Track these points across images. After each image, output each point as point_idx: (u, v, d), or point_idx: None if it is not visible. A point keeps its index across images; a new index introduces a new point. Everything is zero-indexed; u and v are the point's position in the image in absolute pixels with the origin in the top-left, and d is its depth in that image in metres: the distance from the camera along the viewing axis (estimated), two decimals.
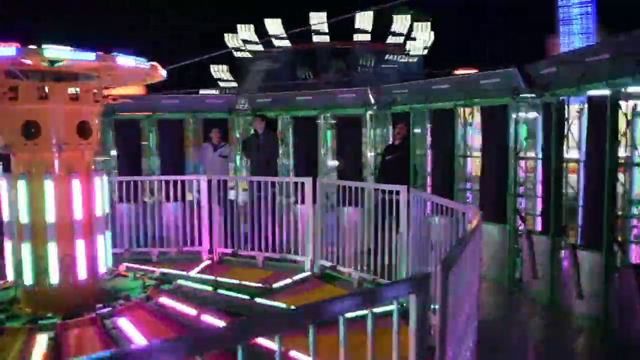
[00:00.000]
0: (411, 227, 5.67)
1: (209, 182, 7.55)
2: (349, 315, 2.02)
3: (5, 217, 5.07)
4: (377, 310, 2.08)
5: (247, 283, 6.20)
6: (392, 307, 2.15)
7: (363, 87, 8.53)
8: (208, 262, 7.39)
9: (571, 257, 5.62)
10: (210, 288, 5.96)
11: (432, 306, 3.53)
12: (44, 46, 4.29)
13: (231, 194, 8.40)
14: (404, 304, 2.45)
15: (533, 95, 6.35)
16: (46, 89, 4.76)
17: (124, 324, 4.76)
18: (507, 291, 6.51)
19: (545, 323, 5.71)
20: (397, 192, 5.86)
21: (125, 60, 4.66)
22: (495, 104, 6.89)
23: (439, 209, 5.22)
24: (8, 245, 5.10)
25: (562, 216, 6.03)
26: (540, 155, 6.54)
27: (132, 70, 4.96)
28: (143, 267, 6.71)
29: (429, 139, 8.18)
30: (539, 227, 6.58)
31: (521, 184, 6.84)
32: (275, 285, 6.19)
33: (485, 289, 6.26)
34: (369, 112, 8.81)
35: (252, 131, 9.06)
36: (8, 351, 4.32)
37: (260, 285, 6.19)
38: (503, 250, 6.72)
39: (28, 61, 4.42)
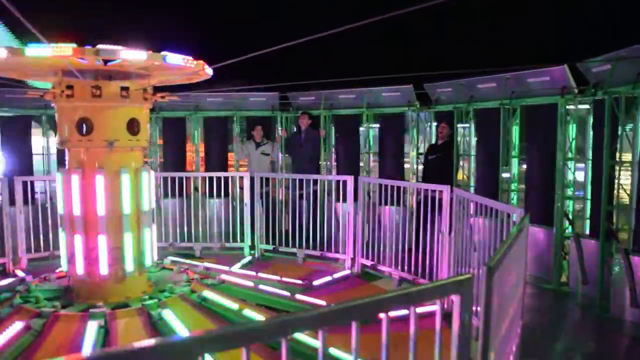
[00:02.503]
0: (453, 227, 5.58)
1: (252, 179, 7.67)
2: (390, 314, 2.01)
3: (60, 210, 5.31)
4: (418, 310, 2.07)
5: (288, 279, 6.26)
6: (434, 307, 2.13)
7: (407, 85, 8.44)
8: (250, 258, 7.51)
9: (624, 262, 5.39)
10: (251, 283, 6.05)
11: (475, 308, 3.47)
12: (98, 46, 4.47)
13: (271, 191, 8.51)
14: (446, 306, 2.43)
15: (584, 94, 6.14)
16: (99, 87, 4.96)
17: (169, 315, 4.90)
18: (553, 296, 6.32)
19: (594, 330, 5.51)
20: (440, 192, 5.78)
21: (174, 59, 4.79)
22: (543, 103, 6.70)
23: (483, 209, 5.11)
24: (62, 237, 5.33)
25: (613, 219, 5.80)
26: (590, 156, 6.32)
27: (180, 69, 5.08)
28: (187, 261, 6.89)
29: (474, 138, 8.02)
30: (587, 231, 6.36)
31: (569, 185, 6.63)
32: (315, 283, 6.23)
33: (530, 292, 6.10)
34: (412, 111, 8.73)
35: (295, 129, 9.13)
36: (63, 337, 4.53)
37: (300, 282, 6.25)
38: (549, 253, 6.53)
39: (84, 60, 4.61)
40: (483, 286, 2.42)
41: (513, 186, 7.49)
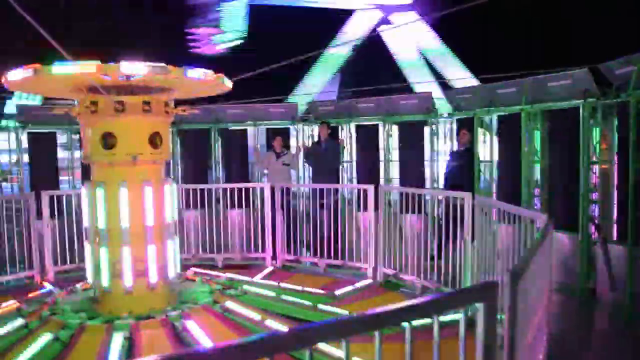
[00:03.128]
0: (476, 234, 5.52)
1: (272, 189, 7.71)
2: (414, 323, 2.00)
3: (86, 223, 5.41)
4: (442, 319, 2.05)
5: (310, 289, 6.26)
6: (458, 316, 2.11)
7: (425, 93, 8.42)
8: (271, 268, 7.53)
9: None
10: (273, 293, 6.06)
11: (499, 316, 3.42)
12: (121, 62, 4.57)
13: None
14: (470, 314, 2.40)
15: (606, 96, 6.04)
16: (122, 102, 5.06)
17: (192, 326, 4.94)
18: (580, 303, 6.18)
19: (623, 339, 5.36)
20: (462, 199, 5.73)
21: (194, 73, 4.87)
22: (565, 107, 6.60)
23: (506, 216, 5.05)
24: (88, 249, 5.43)
25: None
26: (616, 160, 6.20)
27: (201, 82, 5.16)
28: (209, 272, 6.94)
29: (495, 144, 7.94)
30: (614, 236, 6.22)
31: (594, 190, 6.50)
32: (337, 292, 6.21)
33: (556, 300, 5.98)
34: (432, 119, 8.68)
35: (315, 139, 9.16)
36: (89, 348, 4.60)
37: (322, 291, 6.23)
38: (574, 260, 6.40)
39: (107, 77, 4.71)
40: (508, 294, 2.39)
41: (536, 192, 7.38)
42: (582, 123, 6.32)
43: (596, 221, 6.36)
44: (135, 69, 4.59)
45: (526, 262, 2.60)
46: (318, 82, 26.41)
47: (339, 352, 1.87)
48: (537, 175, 7.35)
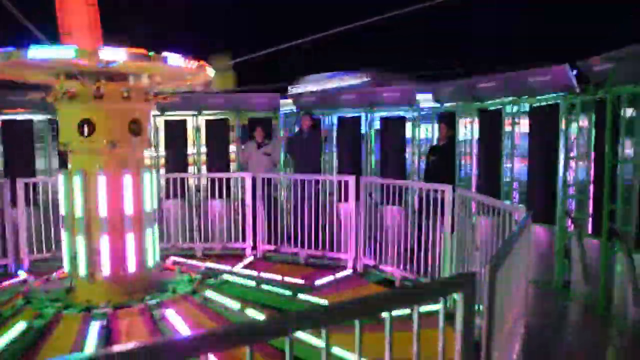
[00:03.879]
0: (455, 226, 5.58)
1: (253, 179, 7.67)
2: (393, 313, 2.01)
3: (63, 211, 5.31)
4: (422, 309, 2.06)
5: (290, 279, 6.26)
6: (437, 306, 2.13)
7: (409, 86, 8.45)
8: (252, 258, 7.51)
9: (627, 261, 5.38)
10: (253, 283, 6.05)
11: (478, 306, 3.47)
12: (100, 47, 4.47)
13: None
14: (449, 306, 2.43)
15: (585, 93, 6.13)
16: (101, 89, 4.97)
17: (171, 315, 4.91)
18: (555, 295, 6.30)
19: (596, 330, 5.49)
20: (442, 191, 5.78)
21: (174, 60, 4.79)
22: (545, 103, 6.69)
23: (485, 209, 5.11)
24: (65, 238, 5.34)
25: (616, 218, 5.78)
26: (593, 155, 6.31)
27: (182, 70, 5.09)
28: (189, 261, 6.90)
29: (475, 138, 8.02)
30: (589, 230, 6.34)
31: (570, 184, 6.61)
32: (317, 282, 6.23)
33: (532, 292, 6.09)
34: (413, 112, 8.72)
35: (297, 129, 9.13)
36: (65, 337, 4.54)
37: (302, 281, 6.24)
38: (550, 253, 6.52)
39: (84, 62, 4.61)
40: (486, 285, 2.42)
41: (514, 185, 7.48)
42: (561, 118, 6.42)
43: (572, 215, 6.48)
44: (115, 55, 4.50)
45: (505, 253, 2.64)
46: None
47: (320, 342, 1.87)
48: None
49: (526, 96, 6.95)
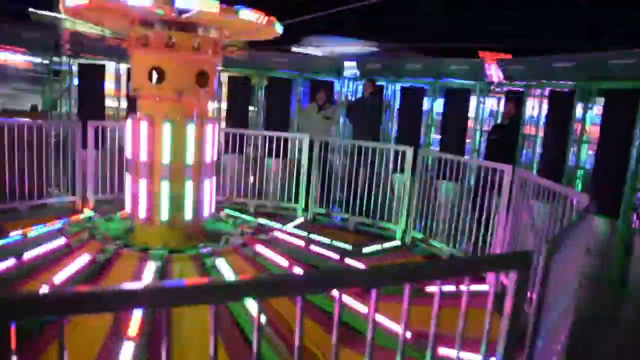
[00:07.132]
0: (512, 208, 5.43)
1: (311, 141, 7.71)
2: (443, 289, 1.99)
3: (128, 155, 5.56)
4: (471, 288, 2.03)
5: (338, 244, 6.33)
6: (484, 287, 2.11)
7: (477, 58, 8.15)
8: (302, 219, 7.62)
9: None
10: (302, 243, 6.17)
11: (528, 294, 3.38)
12: None
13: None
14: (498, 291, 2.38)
15: None
16: (172, 38, 5.08)
17: (221, 264, 5.10)
18: (611, 291, 6.07)
19: None
20: (501, 171, 5.62)
21: (247, 14, 4.82)
22: (622, 87, 6.29)
23: (546, 193, 4.92)
24: (128, 181, 5.60)
25: None
26: None
27: (252, 25, 5.12)
28: (242, 215, 7.09)
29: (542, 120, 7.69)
30: None
31: None
32: (364, 250, 6.27)
33: (587, 285, 5.88)
34: (480, 87, 8.44)
35: (360, 95, 9.06)
36: (124, 271, 4.83)
37: (350, 247, 6.30)
38: (610, 247, 6.25)
39: (160, 11, 4.72)
40: (540, 268, 2.35)
41: (579, 173, 7.17)
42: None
43: (638, 210, 6.16)
44: (189, 4, 4.58)
45: (563, 237, 2.54)
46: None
47: (364, 309, 1.90)
48: (584, 156, 7.12)
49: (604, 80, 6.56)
